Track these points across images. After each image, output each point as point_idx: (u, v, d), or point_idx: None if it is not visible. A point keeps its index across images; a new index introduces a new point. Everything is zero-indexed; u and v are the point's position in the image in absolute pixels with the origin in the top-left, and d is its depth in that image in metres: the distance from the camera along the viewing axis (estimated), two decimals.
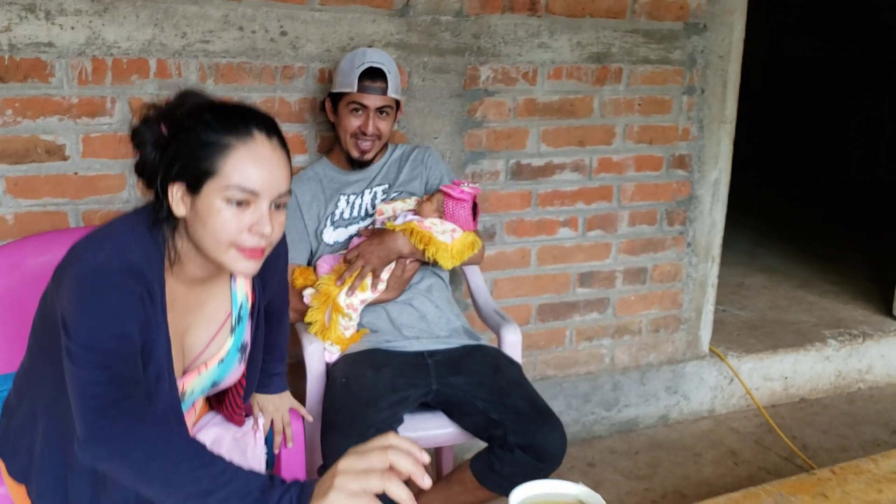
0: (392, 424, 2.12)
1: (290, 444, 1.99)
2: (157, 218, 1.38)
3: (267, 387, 2.02)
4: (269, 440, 1.99)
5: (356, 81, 2.36)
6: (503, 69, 2.90)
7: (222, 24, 2.48)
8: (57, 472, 1.46)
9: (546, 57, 2.95)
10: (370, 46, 2.61)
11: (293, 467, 2.02)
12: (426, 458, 1.10)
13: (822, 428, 3.53)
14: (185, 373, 1.52)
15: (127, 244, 1.33)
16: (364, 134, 2.43)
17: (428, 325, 2.43)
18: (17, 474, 1.54)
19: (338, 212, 2.53)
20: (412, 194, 2.56)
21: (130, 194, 2.47)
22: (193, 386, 1.55)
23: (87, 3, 2.32)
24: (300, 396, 2.36)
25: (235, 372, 1.63)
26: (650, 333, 3.43)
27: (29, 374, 1.54)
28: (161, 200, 1.37)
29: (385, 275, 2.38)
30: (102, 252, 1.31)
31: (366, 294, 2.36)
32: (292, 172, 1.40)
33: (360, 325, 2.42)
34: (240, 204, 1.32)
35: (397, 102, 2.49)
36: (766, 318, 4.15)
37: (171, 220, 1.38)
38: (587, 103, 3.07)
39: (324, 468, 2.11)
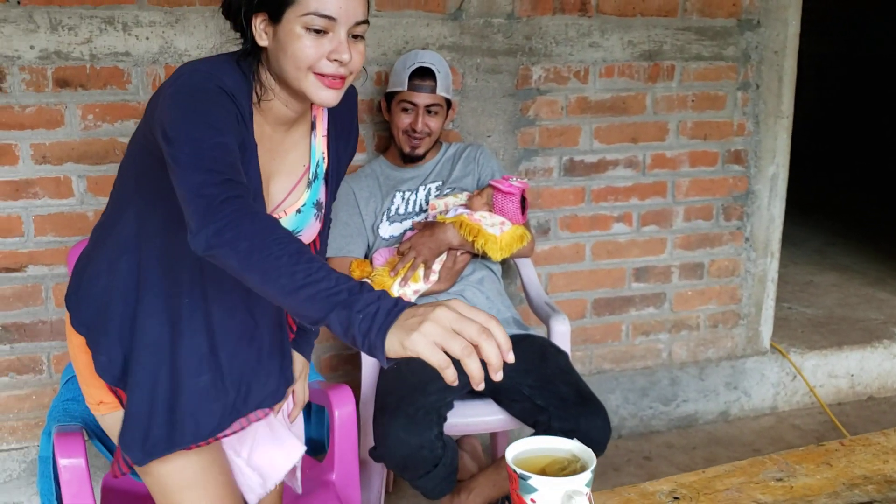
0: (440, 409, 2.21)
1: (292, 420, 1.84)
2: (244, 51, 1.42)
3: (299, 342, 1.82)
4: (314, 420, 2.11)
5: (406, 80, 2.48)
6: (555, 69, 2.98)
7: None
8: (125, 316, 1.49)
9: (597, 56, 3.02)
10: (424, 49, 2.72)
11: (345, 448, 2.14)
12: (512, 359, 1.12)
13: (890, 426, 3.48)
14: None
15: (221, 70, 1.37)
16: (414, 131, 2.54)
17: None
18: (79, 326, 1.57)
19: (393, 207, 2.64)
20: (464, 190, 2.65)
21: None
22: None
23: (160, 14, 2.50)
24: (356, 384, 2.49)
25: (311, 227, 1.62)
26: (708, 329, 3.45)
27: (107, 224, 1.57)
28: (245, 33, 1.41)
29: (437, 266, 2.48)
30: (198, 74, 1.35)
31: (419, 285, 2.47)
32: (369, 4, 1.43)
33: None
34: (318, 32, 1.35)
35: (448, 102, 2.59)
36: (833, 315, 4.11)
37: (256, 53, 1.42)
38: (639, 100, 3.12)
39: (375, 450, 2.22)
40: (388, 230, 2.62)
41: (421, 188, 2.67)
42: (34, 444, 2.63)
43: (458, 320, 1.08)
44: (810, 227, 5.79)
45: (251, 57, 1.42)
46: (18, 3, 2.38)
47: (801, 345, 3.67)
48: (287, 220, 1.55)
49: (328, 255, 2.58)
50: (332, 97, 1.40)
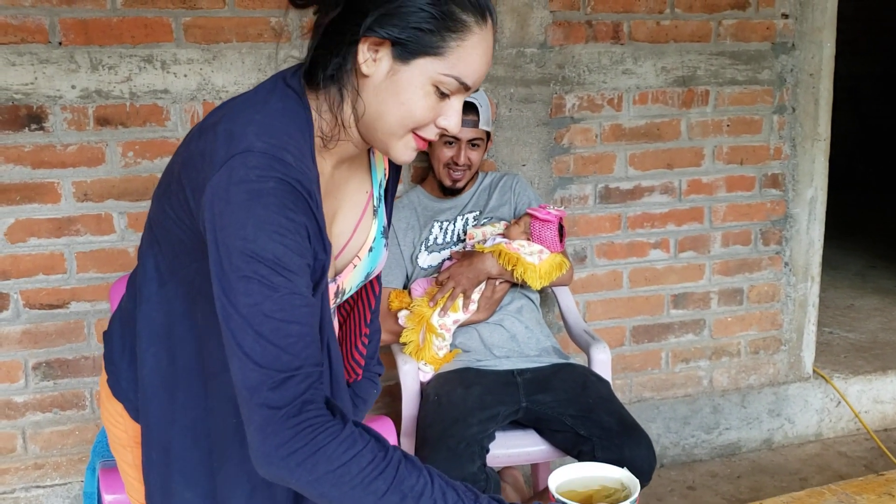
0: (482, 441, 2.20)
1: None
2: (323, 73, 1.12)
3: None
4: None
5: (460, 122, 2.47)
6: (588, 96, 2.98)
7: None
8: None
9: (631, 83, 3.02)
10: None
11: None
12: None
13: None
14: (339, 272, 1.29)
15: (280, 140, 1.06)
16: (456, 164, 2.55)
17: (518, 345, 2.51)
18: (117, 393, 1.34)
19: (431, 237, 2.64)
20: (501, 219, 2.65)
21: None
22: (350, 283, 1.31)
23: (197, 52, 2.53)
24: (397, 416, 2.47)
25: (382, 258, 1.38)
26: (749, 355, 3.40)
27: (151, 280, 1.24)
28: (342, 46, 1.10)
29: (476, 296, 2.48)
30: (257, 169, 1.03)
31: (458, 314, 2.46)
32: None
33: (452, 345, 2.51)
34: (443, 95, 1.12)
35: (488, 134, 2.60)
36: (876, 339, 4.03)
37: (340, 78, 1.11)
38: (674, 126, 3.11)
39: None
40: (426, 260, 2.62)
41: (458, 218, 2.67)
42: (78, 479, 2.64)
43: None
44: (850, 251, 5.71)
45: (332, 79, 1.12)
46: (60, 43, 2.42)
47: (845, 370, 3.60)
48: (362, 265, 1.32)
49: None
50: (412, 157, 1.19)
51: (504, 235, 2.53)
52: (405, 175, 2.84)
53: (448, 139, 2.53)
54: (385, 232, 1.38)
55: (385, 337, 2.55)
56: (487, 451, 2.21)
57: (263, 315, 1.02)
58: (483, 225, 2.62)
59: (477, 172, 2.71)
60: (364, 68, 1.10)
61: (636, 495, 1.10)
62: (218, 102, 2.55)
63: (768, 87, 3.19)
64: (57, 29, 2.41)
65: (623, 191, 3.09)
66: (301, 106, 1.13)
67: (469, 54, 1.09)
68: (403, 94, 1.10)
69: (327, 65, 1.11)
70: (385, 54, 1.09)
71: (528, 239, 2.49)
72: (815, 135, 3.27)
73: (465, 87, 1.13)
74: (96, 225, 2.54)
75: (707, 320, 3.31)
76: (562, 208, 2.50)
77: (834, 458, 3.37)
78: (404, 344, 2.47)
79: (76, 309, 2.57)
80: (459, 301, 2.45)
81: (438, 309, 2.44)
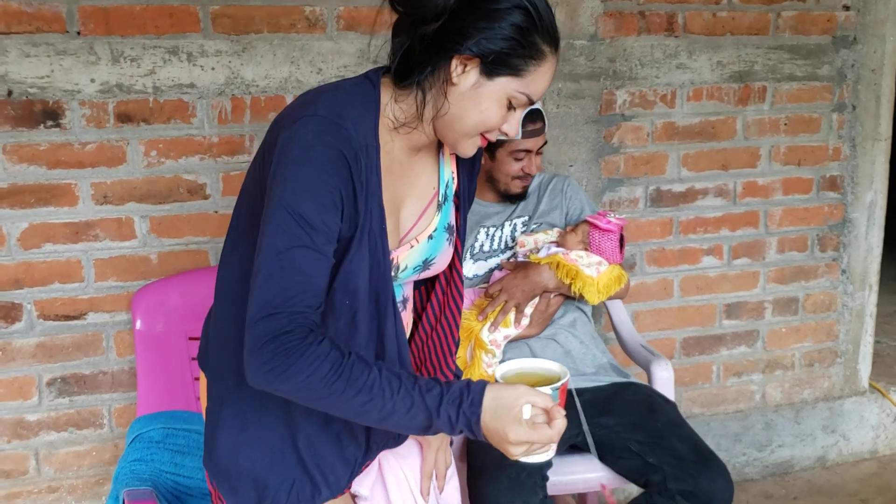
0: (543, 468, 2.00)
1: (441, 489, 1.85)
2: (413, 75, 1.29)
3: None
4: None
5: (520, 129, 2.28)
6: (640, 92, 2.78)
7: (357, 58, 2.45)
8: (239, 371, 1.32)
9: (685, 78, 2.82)
10: None
11: None
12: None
13: None
14: (399, 245, 1.43)
15: (346, 115, 1.25)
16: (528, 175, 2.36)
17: (573, 361, 2.31)
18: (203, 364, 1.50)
19: (477, 244, 2.45)
20: (553, 225, 2.45)
21: None
22: (407, 261, 1.45)
23: (226, 43, 2.34)
24: None
25: (445, 254, 1.52)
26: (804, 368, 3.20)
27: (222, 265, 1.45)
28: (436, 57, 1.27)
29: (528, 310, 2.28)
30: (316, 134, 1.23)
31: (509, 330, 2.27)
32: None
33: (501, 362, 2.32)
34: (510, 108, 1.32)
35: None
36: None
37: (423, 84, 1.30)
38: (729, 125, 2.91)
39: None
40: (471, 269, 2.43)
41: (507, 223, 2.47)
42: (95, 503, 2.45)
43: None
44: (888, 252, 5.49)
45: (415, 85, 1.30)
46: (78, 33, 2.23)
47: None
48: (419, 248, 1.45)
49: None
50: (474, 152, 1.39)
51: (559, 244, 2.33)
52: None
53: (519, 154, 2.33)
54: (450, 229, 1.51)
55: None
56: (547, 478, 2.02)
57: (279, 259, 1.20)
58: (534, 232, 2.42)
59: None
60: (454, 77, 1.28)
61: (566, 379, 1.33)
62: (248, 98, 2.37)
63: (828, 83, 2.99)
64: (75, 17, 2.22)
65: (675, 193, 2.89)
66: (372, 88, 1.33)
67: (541, 76, 1.29)
68: (483, 104, 1.29)
69: (422, 69, 1.29)
70: (473, 68, 1.28)
71: (587, 249, 2.29)
72: (876, 134, 3.07)
73: (532, 102, 1.33)
74: (116, 230, 2.34)
75: (761, 331, 3.11)
76: (623, 216, 2.30)
77: (893, 477, 3.18)
78: None
79: (94, 320, 2.37)
80: (511, 315, 2.25)
81: (488, 323, 2.25)
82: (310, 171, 1.22)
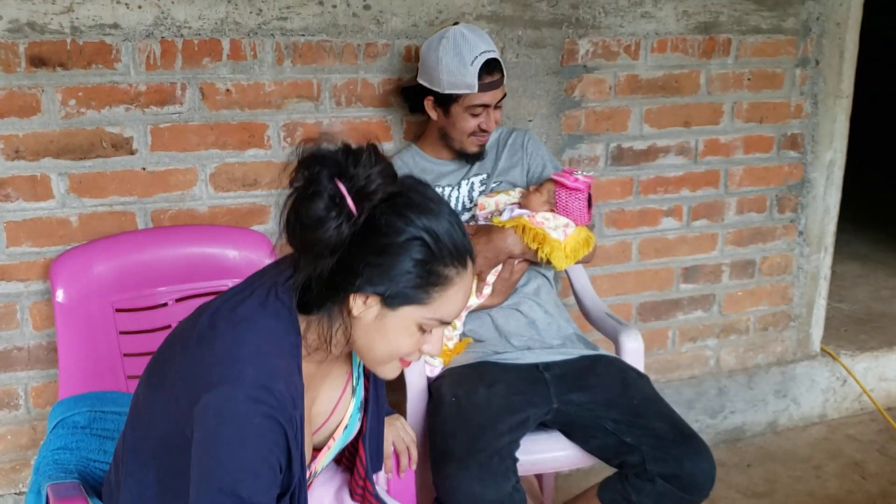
0: (512, 450, 1.85)
1: (402, 474, 1.73)
2: (317, 307, 1.21)
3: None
4: None
5: (476, 82, 2.08)
6: (603, 42, 2.61)
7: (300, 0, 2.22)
8: None
9: (650, 28, 2.66)
10: (458, 21, 2.30)
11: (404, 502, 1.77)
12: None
13: None
14: (314, 455, 1.39)
15: (274, 370, 1.14)
16: (484, 132, 2.17)
17: (538, 332, 2.16)
18: None
19: None
20: (514, 184, 2.28)
21: (202, 191, 2.22)
22: (323, 463, 1.43)
23: None
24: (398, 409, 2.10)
25: (355, 432, 1.48)
26: (758, 332, 3.13)
27: (131, 461, 1.29)
28: (335, 292, 1.19)
29: (491, 278, 2.11)
30: (244, 388, 1.11)
31: (471, 300, 2.10)
32: None
33: (462, 334, 2.15)
34: (428, 331, 1.23)
35: None
36: (871, 311, 3.82)
37: (338, 314, 1.21)
38: (693, 79, 2.77)
39: (438, 502, 1.85)
40: None
41: (463, 183, 2.29)
42: (11, 492, 2.21)
43: None
44: (844, 216, 5.48)
45: (325, 314, 1.21)
46: None
47: (850, 346, 3.37)
48: (335, 446, 1.42)
49: None
50: (397, 374, 1.30)
51: (522, 206, 2.16)
52: (396, 131, 2.43)
53: (476, 110, 2.13)
54: (362, 406, 1.45)
55: None
56: (517, 460, 1.87)
57: None
58: (494, 192, 2.24)
59: None
60: (354, 312, 1.20)
61: None
62: (179, 41, 2.12)
63: (792, 36, 2.87)
64: None
65: (636, 151, 2.74)
66: (291, 322, 1.20)
67: (451, 300, 1.20)
68: (390, 335, 1.21)
69: (321, 304, 1.20)
70: (374, 303, 1.19)
71: (552, 210, 2.13)
72: (838, 91, 2.97)
73: (447, 323, 1.24)
74: (31, 189, 2.08)
75: (717, 295, 3.01)
76: (590, 173, 2.14)
77: (844, 441, 3.15)
78: None
79: (6, 290, 2.11)
80: (473, 284, 2.08)
81: None
82: (249, 449, 1.10)
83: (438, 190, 2.27)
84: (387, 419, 1.72)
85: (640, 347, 2.19)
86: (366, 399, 1.46)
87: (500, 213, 2.15)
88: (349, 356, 1.41)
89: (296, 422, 1.16)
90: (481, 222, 2.17)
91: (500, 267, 2.11)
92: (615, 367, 2.06)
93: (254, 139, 2.26)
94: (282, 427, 1.12)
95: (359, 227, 1.14)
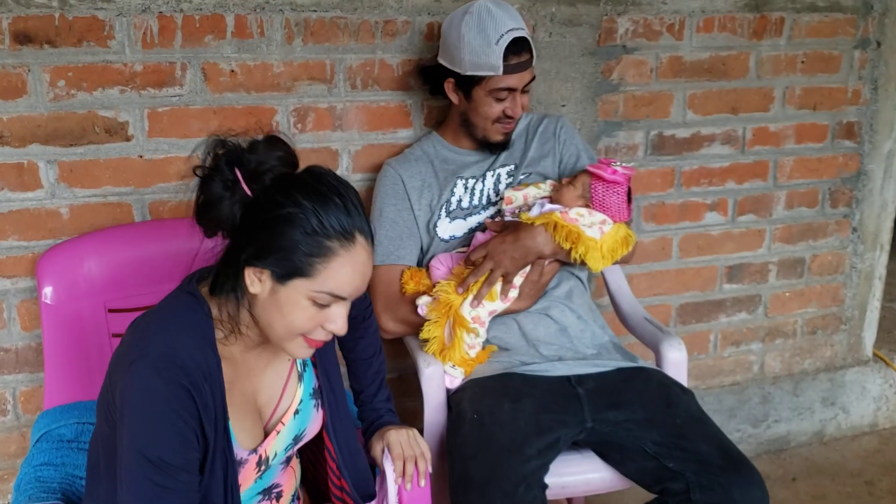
0: (540, 477, 1.66)
1: (408, 486, 1.55)
2: (222, 288, 1.28)
3: (380, 417, 1.67)
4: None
5: (501, 63, 1.88)
6: (645, 21, 2.39)
7: None
8: None
9: (695, 5, 2.43)
10: None
11: None
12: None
13: None
14: (265, 437, 1.40)
15: (178, 343, 1.23)
16: (509, 118, 1.97)
17: (570, 340, 1.96)
18: None
19: (454, 199, 2.06)
20: (544, 176, 2.08)
21: None
22: (275, 448, 1.42)
23: None
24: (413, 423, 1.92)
25: (314, 420, 1.48)
26: (806, 336, 2.91)
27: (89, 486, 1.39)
28: (232, 270, 1.26)
29: (518, 280, 1.91)
30: (149, 360, 1.20)
31: (495, 304, 1.90)
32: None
33: (485, 341, 1.96)
34: (322, 305, 1.25)
35: None
36: None
37: (237, 292, 1.28)
38: (742, 61, 2.54)
39: None
40: (447, 229, 2.05)
41: (489, 174, 2.09)
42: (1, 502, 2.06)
43: None
44: None
45: (230, 293, 1.28)
46: None
47: None
48: (287, 429, 1.42)
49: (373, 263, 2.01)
50: (310, 354, 1.33)
51: (554, 200, 1.96)
52: (416, 117, 2.23)
53: (501, 94, 1.93)
54: (315, 393, 1.48)
55: (396, 328, 2.00)
56: (546, 486, 1.68)
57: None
58: (523, 185, 2.04)
59: None
60: (251, 289, 1.25)
61: None
62: (178, 17, 1.94)
63: (851, 15, 2.63)
64: None
65: (679, 139, 2.52)
66: (198, 304, 1.29)
67: (337, 272, 1.23)
68: (284, 310, 1.25)
69: (224, 284, 1.28)
70: (266, 277, 1.24)
71: (588, 205, 1.92)
72: None
73: (342, 298, 1.26)
74: (17, 178, 1.91)
75: (763, 296, 2.79)
76: (631, 164, 1.93)
77: None
78: (425, 341, 1.91)
79: None
80: (497, 287, 1.88)
81: (470, 297, 1.88)
82: (157, 414, 1.18)
83: (461, 182, 2.07)
84: (394, 428, 1.61)
85: (684, 358, 1.99)
86: (320, 387, 1.47)
87: (529, 209, 1.95)
88: None
89: (205, 391, 1.22)
90: (508, 218, 1.97)
91: (528, 268, 1.91)
92: (656, 382, 1.86)
93: (261, 125, 2.07)
94: (188, 391, 1.19)
95: (249, 206, 1.23)
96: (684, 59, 2.46)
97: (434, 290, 1.91)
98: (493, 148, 2.08)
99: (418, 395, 2.29)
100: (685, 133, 2.52)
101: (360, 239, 1.24)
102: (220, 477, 1.27)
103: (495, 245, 1.87)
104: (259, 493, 1.43)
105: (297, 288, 1.22)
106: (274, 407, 1.42)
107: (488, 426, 1.71)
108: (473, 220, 2.05)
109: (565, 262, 1.95)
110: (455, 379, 1.91)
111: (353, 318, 1.62)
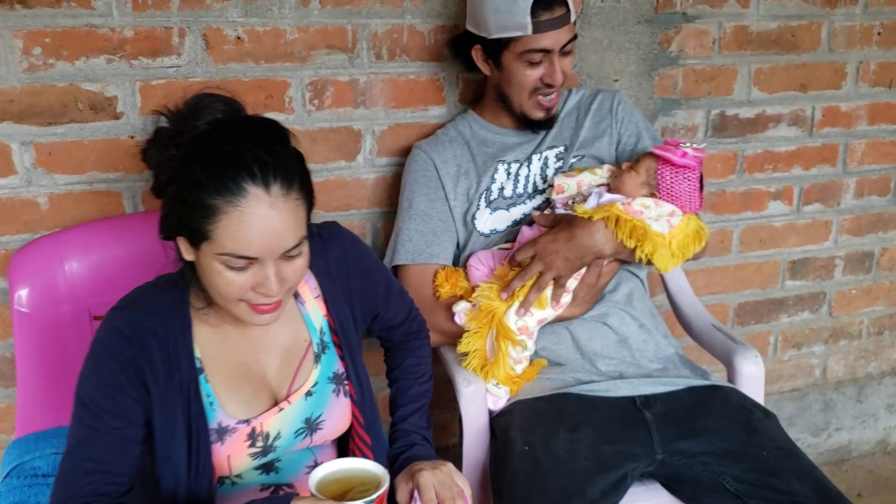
0: None
1: None
2: (179, 258, 1.22)
3: (412, 445, 1.41)
4: None
5: (529, 20, 1.60)
6: None
7: None
8: None
9: None
10: None
11: None
12: None
13: None
14: (264, 411, 1.30)
15: (144, 307, 1.22)
16: (549, 87, 1.68)
17: (631, 353, 1.69)
18: None
19: (495, 187, 1.79)
20: (600, 160, 1.80)
21: None
22: (278, 426, 1.29)
23: None
24: (454, 460, 1.66)
25: (336, 409, 1.34)
26: (871, 337, 2.63)
27: None
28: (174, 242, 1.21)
29: (572, 283, 1.64)
30: (104, 342, 1.20)
31: (545, 312, 1.62)
32: (310, 211, 1.18)
33: (534, 354, 1.68)
34: (239, 268, 1.14)
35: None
36: None
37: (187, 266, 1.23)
38: (813, 32, 2.25)
39: None
40: (488, 222, 1.77)
41: (535, 157, 1.81)
42: None
43: None
44: None
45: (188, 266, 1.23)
46: None
47: None
48: (294, 409, 1.31)
49: (402, 262, 1.74)
50: (268, 319, 1.22)
51: (613, 189, 1.68)
52: (450, 93, 1.95)
53: (533, 57, 1.65)
54: (337, 378, 1.36)
55: (432, 338, 1.72)
56: None
57: (70, 451, 1.18)
58: (575, 170, 1.75)
59: None
60: (186, 257, 1.19)
61: (384, 488, 1.10)
62: None
63: None
64: None
65: (742, 120, 2.24)
66: (176, 277, 1.25)
67: (230, 231, 1.11)
68: (207, 276, 1.17)
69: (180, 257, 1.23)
70: (187, 245, 1.17)
71: (654, 194, 1.64)
72: None
73: (252, 259, 1.14)
74: None
75: (828, 293, 2.51)
76: (702, 145, 1.64)
77: None
78: (464, 355, 1.63)
79: None
80: (548, 292, 1.61)
81: (516, 303, 1.60)
82: (93, 356, 1.19)
83: (502, 167, 1.79)
84: (427, 465, 1.31)
85: (762, 374, 1.72)
86: (346, 373, 1.36)
87: (584, 199, 1.67)
88: (299, 319, 1.35)
89: (152, 344, 1.19)
90: (559, 210, 1.68)
91: (583, 269, 1.63)
92: (734, 404, 1.58)
93: (272, 101, 1.80)
94: (127, 339, 1.18)
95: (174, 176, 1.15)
96: (750, 28, 2.17)
97: (474, 294, 1.63)
98: (534, 126, 1.80)
99: (448, 406, 2.04)
100: (749, 113, 2.24)
101: (252, 190, 1.09)
102: (181, 437, 1.21)
103: (546, 243, 1.59)
104: (257, 469, 1.32)
105: (207, 253, 1.13)
106: (288, 386, 1.32)
107: (542, 461, 1.44)
108: (517, 212, 1.77)
109: (625, 260, 1.67)
110: (499, 399, 1.64)
111: (404, 340, 1.52)
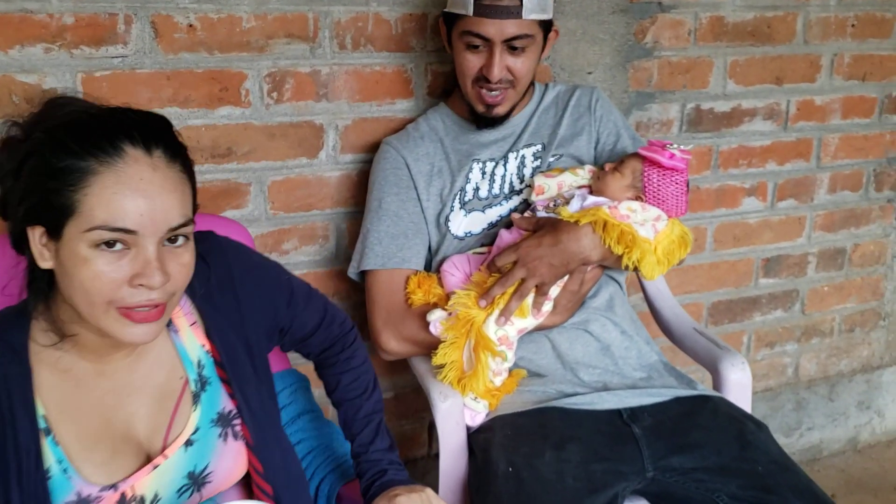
0: None
1: None
2: (36, 289, 1.03)
3: (382, 473, 1.27)
4: None
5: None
6: None
7: None
8: None
9: None
10: None
11: None
12: None
13: None
14: (133, 472, 1.08)
15: None
16: (486, 81, 1.57)
17: (614, 361, 1.60)
18: None
19: (469, 187, 1.68)
20: (579, 160, 1.70)
21: None
22: (154, 487, 1.08)
23: None
24: (424, 473, 1.56)
25: (223, 455, 1.14)
26: (843, 334, 2.59)
27: None
28: (27, 255, 1.00)
29: (554, 291, 1.54)
30: None
31: (525, 321, 1.53)
32: (195, 193, 1.02)
33: (512, 366, 1.58)
34: (113, 249, 0.95)
35: (546, 25, 1.61)
36: None
37: (44, 277, 1.01)
38: (789, 23, 2.18)
39: None
40: (462, 224, 1.66)
41: (511, 155, 1.71)
42: None
43: None
44: None
45: (39, 289, 1.02)
46: None
47: None
48: (171, 464, 1.10)
49: (370, 267, 1.62)
50: (145, 333, 0.99)
51: (596, 191, 1.58)
52: (419, 85, 1.83)
53: (472, 40, 1.55)
54: (222, 419, 1.14)
55: (401, 348, 1.62)
56: None
57: None
58: (555, 170, 1.65)
59: (533, 84, 1.74)
60: (42, 263, 0.99)
61: None
62: None
63: None
64: None
65: (718, 114, 2.17)
66: (16, 313, 1.05)
67: (106, 197, 0.94)
68: (73, 273, 0.96)
69: (33, 283, 1.04)
70: (44, 238, 0.98)
71: (639, 197, 1.55)
72: None
73: (130, 232, 0.94)
74: None
75: (801, 291, 2.46)
76: (689, 146, 1.56)
77: None
78: (439, 367, 1.53)
79: None
80: (529, 299, 1.51)
81: (496, 312, 1.50)
82: None
83: (477, 166, 1.69)
84: (403, 491, 1.19)
85: (749, 381, 1.64)
86: (237, 411, 1.15)
87: (567, 202, 1.57)
88: (171, 353, 1.13)
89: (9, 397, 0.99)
90: (541, 213, 1.59)
91: (566, 277, 1.54)
92: (724, 416, 1.50)
93: (227, 94, 1.66)
94: None
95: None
96: (726, 19, 2.10)
97: (450, 302, 1.53)
98: (480, 122, 1.69)
99: (418, 417, 1.94)
100: (725, 106, 2.17)
101: (130, 149, 0.95)
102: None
103: (529, 248, 1.49)
104: None
105: (73, 236, 0.94)
106: (164, 437, 1.11)
107: (528, 483, 1.34)
108: (493, 213, 1.67)
109: (609, 266, 1.58)
110: (477, 414, 1.54)
111: (325, 349, 1.32)
